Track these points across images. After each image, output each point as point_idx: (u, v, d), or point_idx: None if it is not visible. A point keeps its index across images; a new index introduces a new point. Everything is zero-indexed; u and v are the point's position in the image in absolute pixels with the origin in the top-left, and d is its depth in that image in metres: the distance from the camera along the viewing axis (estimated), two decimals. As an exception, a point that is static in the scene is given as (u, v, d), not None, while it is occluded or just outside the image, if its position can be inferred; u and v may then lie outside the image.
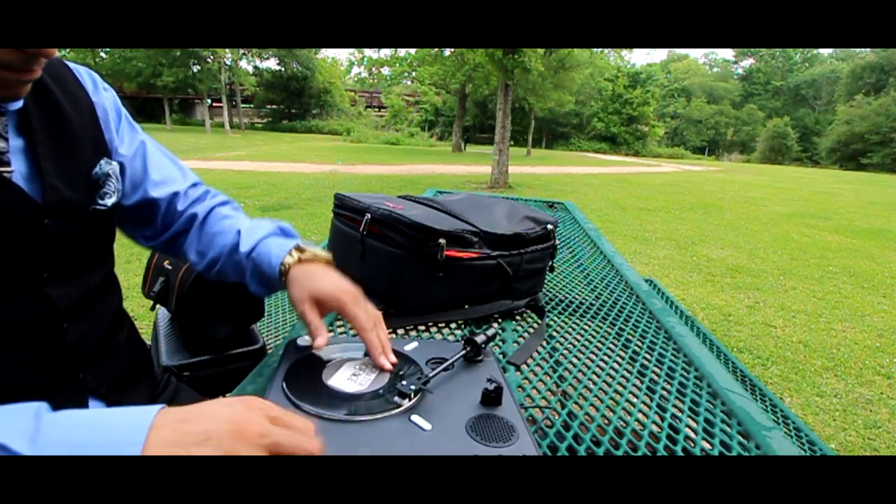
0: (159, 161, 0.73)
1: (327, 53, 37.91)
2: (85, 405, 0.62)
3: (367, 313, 0.62)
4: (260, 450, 0.39)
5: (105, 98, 0.66)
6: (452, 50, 13.58)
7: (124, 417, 0.39)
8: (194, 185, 0.77)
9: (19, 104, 0.54)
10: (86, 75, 0.65)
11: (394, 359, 0.61)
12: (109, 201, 0.62)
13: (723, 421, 0.63)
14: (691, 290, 3.96)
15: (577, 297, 1.07)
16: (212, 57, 26.69)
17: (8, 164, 0.52)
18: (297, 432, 0.42)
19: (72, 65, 0.64)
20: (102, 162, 0.62)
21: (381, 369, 0.60)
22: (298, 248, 0.68)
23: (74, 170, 0.58)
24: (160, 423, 0.38)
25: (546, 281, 1.04)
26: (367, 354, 0.63)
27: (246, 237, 0.70)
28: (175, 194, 0.74)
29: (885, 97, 33.01)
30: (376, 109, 41.41)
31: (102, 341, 0.65)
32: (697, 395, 0.69)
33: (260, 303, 1.05)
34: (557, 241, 0.99)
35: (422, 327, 0.82)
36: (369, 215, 0.86)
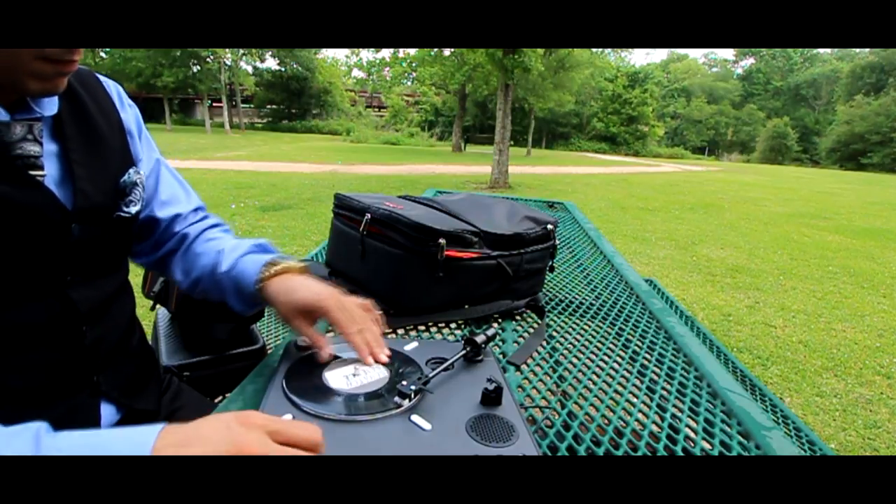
0: (169, 181, 0.75)
1: (327, 53, 37.91)
2: (97, 408, 0.63)
3: (352, 315, 0.62)
4: None
5: (130, 113, 0.68)
6: (452, 50, 13.58)
7: (125, 442, 0.39)
8: (195, 209, 0.78)
9: (54, 110, 0.55)
10: (113, 89, 0.67)
11: (383, 357, 0.61)
12: (133, 209, 0.63)
13: (723, 421, 0.63)
14: (691, 290, 3.96)
15: (577, 297, 1.07)
16: (212, 57, 26.67)
17: (41, 168, 0.53)
18: (299, 446, 0.41)
19: (102, 78, 0.66)
20: (131, 171, 0.63)
21: (375, 360, 0.60)
22: (270, 263, 0.68)
23: (104, 177, 0.60)
24: (161, 448, 0.38)
25: (546, 281, 1.04)
26: None
27: (226, 257, 0.71)
28: (177, 216, 0.75)
29: (885, 97, 32.98)
30: (376, 109, 41.41)
31: (117, 345, 0.66)
32: (697, 395, 0.69)
33: (260, 303, 1.05)
34: (557, 241, 0.99)
35: (422, 327, 0.82)
36: (369, 215, 0.85)
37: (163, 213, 0.73)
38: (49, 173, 0.54)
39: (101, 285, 0.61)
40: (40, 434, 0.37)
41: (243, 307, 0.71)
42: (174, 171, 0.77)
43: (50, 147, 0.55)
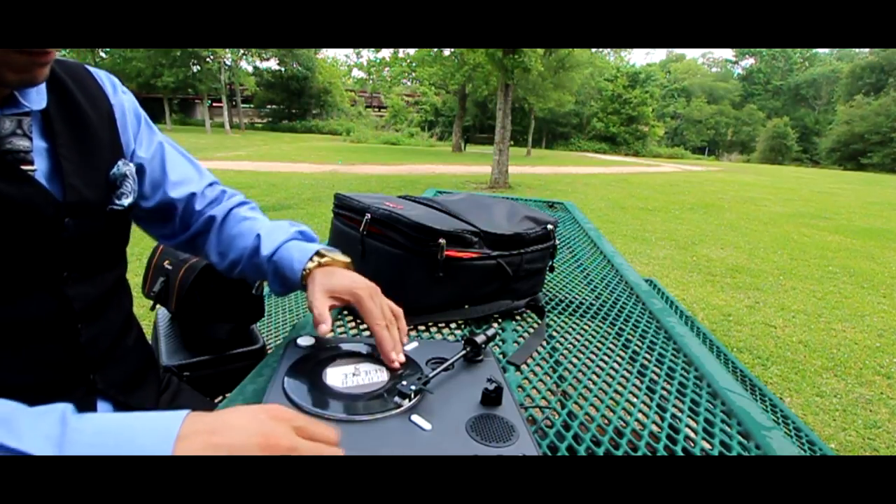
0: (177, 161, 0.74)
1: (327, 53, 37.90)
2: (94, 406, 0.63)
3: (382, 310, 0.63)
4: None
5: (124, 100, 0.67)
6: (452, 50, 13.57)
7: (151, 426, 0.39)
8: (211, 184, 0.78)
9: (43, 104, 0.55)
10: (105, 79, 0.66)
11: (402, 358, 0.61)
12: (126, 201, 0.63)
13: (723, 421, 0.63)
14: (691, 290, 3.96)
15: (577, 297, 1.07)
16: (212, 57, 26.66)
17: (31, 162, 0.53)
18: (323, 444, 0.42)
19: (92, 69, 0.65)
20: (120, 163, 0.63)
21: (388, 365, 0.60)
22: (319, 254, 0.69)
23: (94, 171, 0.60)
24: (187, 434, 0.38)
25: (546, 281, 1.04)
26: (369, 354, 0.63)
27: (266, 241, 0.71)
28: (192, 195, 0.75)
29: (885, 97, 32.98)
30: (376, 109, 41.40)
31: (113, 343, 0.66)
32: (697, 395, 0.69)
33: (260, 303, 1.05)
34: (557, 241, 0.99)
35: (422, 327, 0.82)
36: (369, 215, 0.85)
37: (177, 193, 0.73)
38: (39, 168, 0.54)
39: (96, 282, 0.61)
40: (66, 415, 0.37)
41: (283, 290, 0.72)
42: (181, 149, 0.76)
43: (39, 143, 0.55)
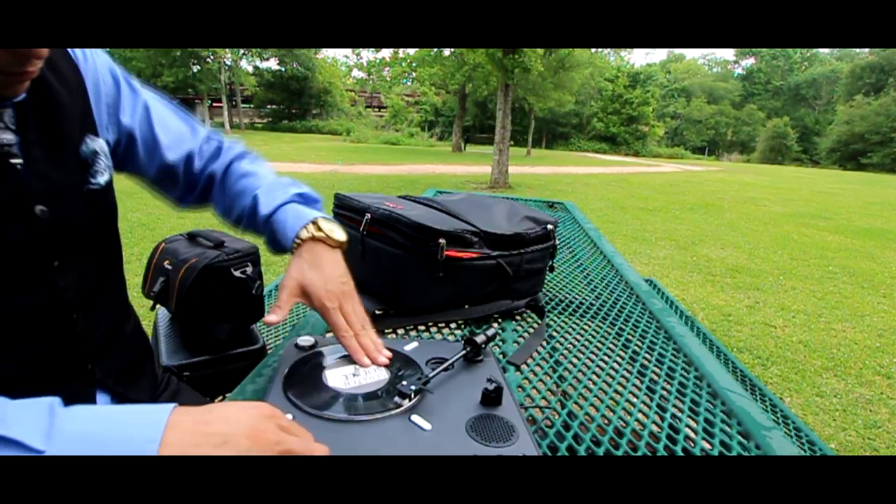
0: (167, 120, 0.71)
1: (327, 53, 37.87)
2: (92, 397, 0.62)
3: (349, 319, 0.62)
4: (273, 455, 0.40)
5: (98, 64, 0.62)
6: (452, 50, 13.57)
7: (140, 415, 0.39)
8: (207, 139, 0.75)
9: (22, 95, 0.52)
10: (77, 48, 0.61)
11: (382, 359, 0.61)
12: (102, 179, 0.60)
13: (723, 421, 0.63)
14: (691, 290, 3.96)
15: (577, 297, 1.07)
16: (212, 57, 26.65)
17: (17, 155, 0.51)
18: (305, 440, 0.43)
19: None
20: (88, 139, 0.59)
21: (374, 363, 0.61)
22: (315, 225, 0.66)
23: (64, 153, 0.56)
24: (176, 423, 0.38)
25: (546, 281, 1.04)
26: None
27: (263, 201, 0.69)
28: (189, 155, 0.72)
29: (885, 97, 32.99)
30: (376, 109, 41.38)
31: (109, 333, 0.65)
32: (697, 395, 0.69)
33: (260, 303, 1.05)
34: (557, 241, 0.99)
35: (422, 327, 0.83)
36: (369, 215, 0.86)
37: (173, 155, 0.70)
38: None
39: (87, 270, 0.60)
40: (54, 406, 0.37)
41: (279, 252, 0.70)
42: (172, 107, 0.73)
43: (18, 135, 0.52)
